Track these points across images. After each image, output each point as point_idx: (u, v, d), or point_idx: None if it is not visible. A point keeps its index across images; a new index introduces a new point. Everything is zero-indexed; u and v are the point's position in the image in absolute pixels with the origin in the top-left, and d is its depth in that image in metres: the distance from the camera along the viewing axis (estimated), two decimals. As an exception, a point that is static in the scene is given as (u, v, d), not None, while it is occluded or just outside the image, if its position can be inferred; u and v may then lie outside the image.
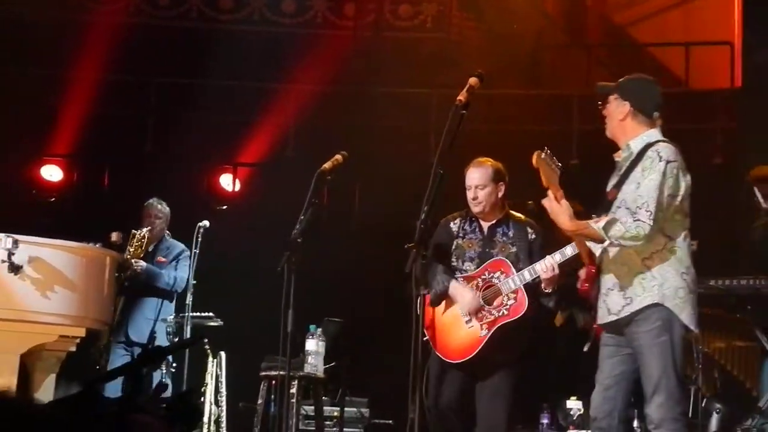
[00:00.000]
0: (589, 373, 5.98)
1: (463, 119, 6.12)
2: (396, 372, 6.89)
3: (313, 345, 8.12)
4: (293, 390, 7.86)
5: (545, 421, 8.62)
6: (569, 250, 6.58)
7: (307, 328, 8.13)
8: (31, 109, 11.50)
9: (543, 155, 6.04)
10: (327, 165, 7.15)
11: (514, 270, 6.75)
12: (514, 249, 6.92)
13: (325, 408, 8.89)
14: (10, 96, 11.42)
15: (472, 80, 6.12)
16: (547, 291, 6.72)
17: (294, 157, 10.99)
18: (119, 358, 8.90)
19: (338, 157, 7.21)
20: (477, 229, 7.02)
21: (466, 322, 6.91)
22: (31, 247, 6.76)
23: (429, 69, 10.99)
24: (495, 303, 6.78)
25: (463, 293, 6.92)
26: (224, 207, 11.36)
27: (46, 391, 7.03)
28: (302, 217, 7.03)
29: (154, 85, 11.63)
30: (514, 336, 6.83)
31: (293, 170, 9.66)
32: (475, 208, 7.01)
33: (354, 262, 10.71)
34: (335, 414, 9.27)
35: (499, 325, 6.75)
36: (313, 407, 8.63)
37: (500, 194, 7.00)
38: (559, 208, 5.75)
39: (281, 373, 7.55)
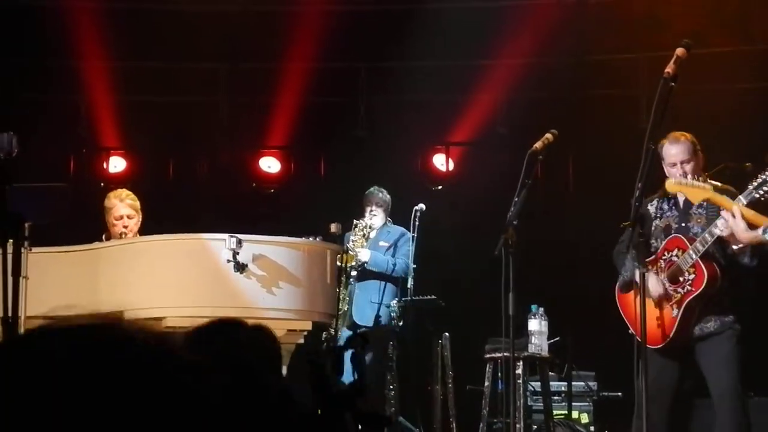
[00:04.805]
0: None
1: (672, 92, 6.02)
2: (622, 344, 6.87)
3: (536, 325, 8.10)
4: (519, 371, 7.88)
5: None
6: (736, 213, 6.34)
7: (528, 307, 8.13)
8: (247, 102, 11.79)
9: (675, 182, 6.14)
10: (538, 144, 7.13)
11: (688, 243, 6.60)
12: (705, 219, 6.75)
13: (552, 383, 8.88)
14: (227, 91, 11.74)
15: (679, 51, 6.02)
16: (736, 248, 6.50)
17: (506, 133, 10.95)
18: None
19: (549, 135, 7.17)
20: (674, 206, 6.87)
21: (658, 306, 6.80)
22: (255, 246, 6.94)
23: (636, 33, 10.75)
24: (680, 281, 6.67)
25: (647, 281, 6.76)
26: (439, 187, 11.43)
27: (278, 383, 7.23)
28: (516, 199, 7.04)
29: (364, 69, 11.76)
30: (711, 306, 6.69)
31: (506, 147, 9.65)
32: None
33: (574, 233, 10.63)
34: (563, 389, 9.25)
35: (687, 301, 6.63)
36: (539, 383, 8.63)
37: (701, 165, 6.84)
38: (733, 224, 6.11)
39: (506, 354, 7.60)
